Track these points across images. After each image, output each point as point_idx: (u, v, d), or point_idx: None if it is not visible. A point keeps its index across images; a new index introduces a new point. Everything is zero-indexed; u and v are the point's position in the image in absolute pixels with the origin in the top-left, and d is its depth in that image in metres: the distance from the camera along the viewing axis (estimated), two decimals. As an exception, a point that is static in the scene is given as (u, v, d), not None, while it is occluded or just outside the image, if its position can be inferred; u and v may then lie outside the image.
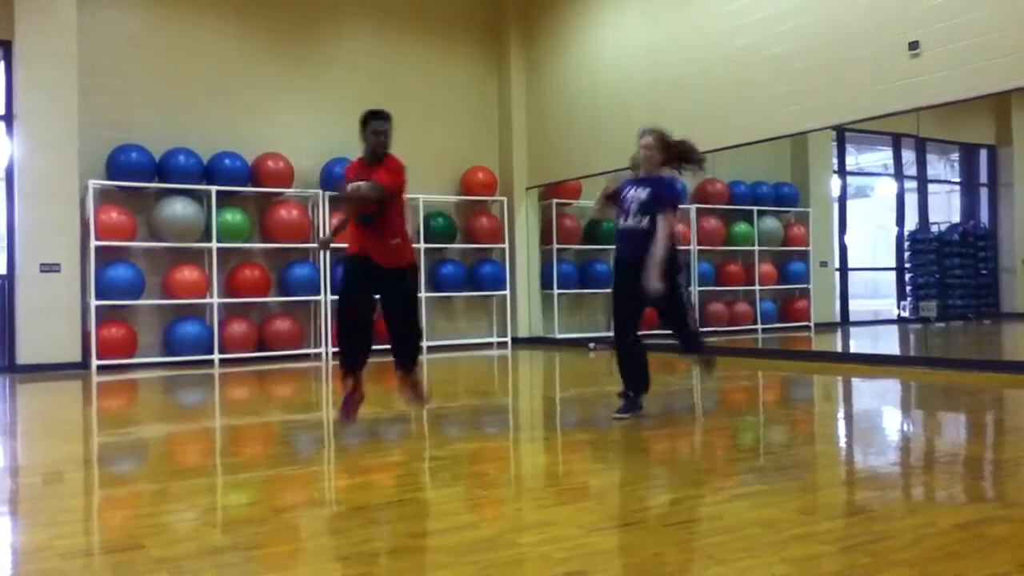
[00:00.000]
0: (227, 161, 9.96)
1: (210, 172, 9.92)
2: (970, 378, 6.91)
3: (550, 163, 11.72)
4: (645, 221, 5.01)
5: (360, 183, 4.97)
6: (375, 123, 5.11)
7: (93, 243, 9.13)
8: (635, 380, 5.19)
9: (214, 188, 9.77)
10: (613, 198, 5.23)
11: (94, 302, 9.10)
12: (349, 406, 4.93)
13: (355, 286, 4.98)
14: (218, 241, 9.78)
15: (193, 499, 3.45)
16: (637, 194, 5.06)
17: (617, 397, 5.26)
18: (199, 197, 9.83)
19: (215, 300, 9.78)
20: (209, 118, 10.21)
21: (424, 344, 10.93)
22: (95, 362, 9.04)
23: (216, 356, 9.68)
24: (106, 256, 9.32)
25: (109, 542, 2.91)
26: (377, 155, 5.10)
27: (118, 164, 9.42)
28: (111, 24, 9.80)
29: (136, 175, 9.47)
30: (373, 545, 2.72)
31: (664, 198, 5.05)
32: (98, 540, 2.96)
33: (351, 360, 4.94)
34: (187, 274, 9.63)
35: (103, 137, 9.48)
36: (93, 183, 9.30)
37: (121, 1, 9.92)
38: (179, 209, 9.56)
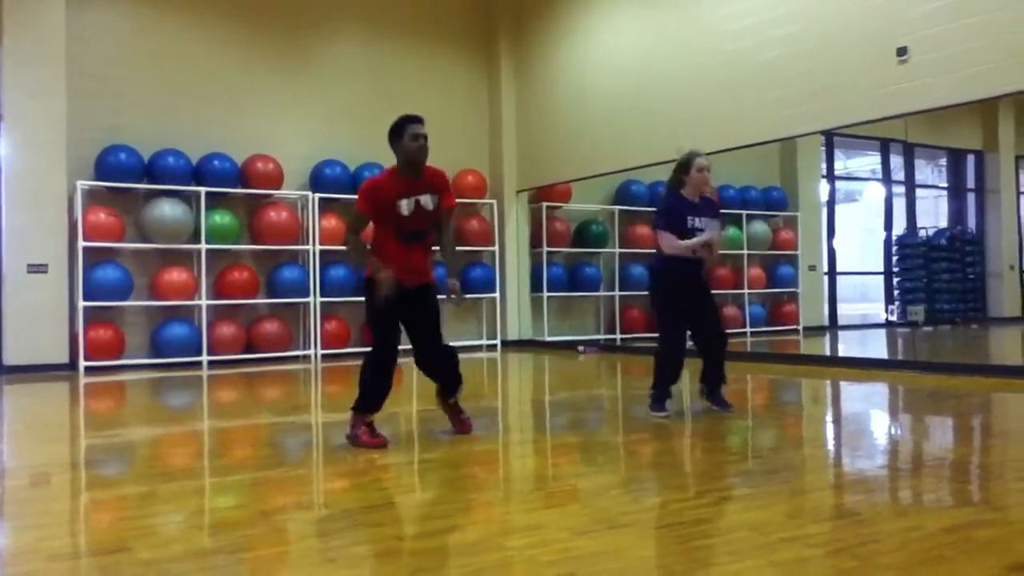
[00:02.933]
0: (216, 162, 9.94)
1: (199, 173, 9.89)
2: (957, 382, 6.94)
3: (540, 166, 11.74)
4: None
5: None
6: (414, 127, 4.50)
7: (81, 244, 9.09)
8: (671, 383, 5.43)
9: (203, 189, 9.74)
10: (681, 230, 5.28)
11: (82, 303, 9.06)
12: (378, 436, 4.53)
13: (396, 326, 4.50)
14: (207, 242, 9.75)
15: (180, 502, 3.43)
16: (701, 224, 5.25)
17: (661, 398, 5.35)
18: (188, 198, 9.80)
19: (203, 302, 9.75)
20: (199, 119, 10.19)
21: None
22: (82, 363, 9.00)
23: (204, 358, 9.65)
24: (94, 257, 9.28)
25: (96, 545, 2.89)
26: (418, 165, 4.51)
27: (107, 165, 9.38)
28: (100, 25, 9.76)
29: (125, 176, 9.43)
30: (360, 548, 2.71)
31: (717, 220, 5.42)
32: (85, 543, 2.95)
33: (381, 403, 4.59)
34: (175, 275, 9.60)
35: (92, 138, 9.44)
36: (81, 184, 9.26)
37: (110, 2, 9.88)
38: (168, 210, 9.52)
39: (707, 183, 5.31)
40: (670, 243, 5.23)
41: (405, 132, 4.51)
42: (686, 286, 5.31)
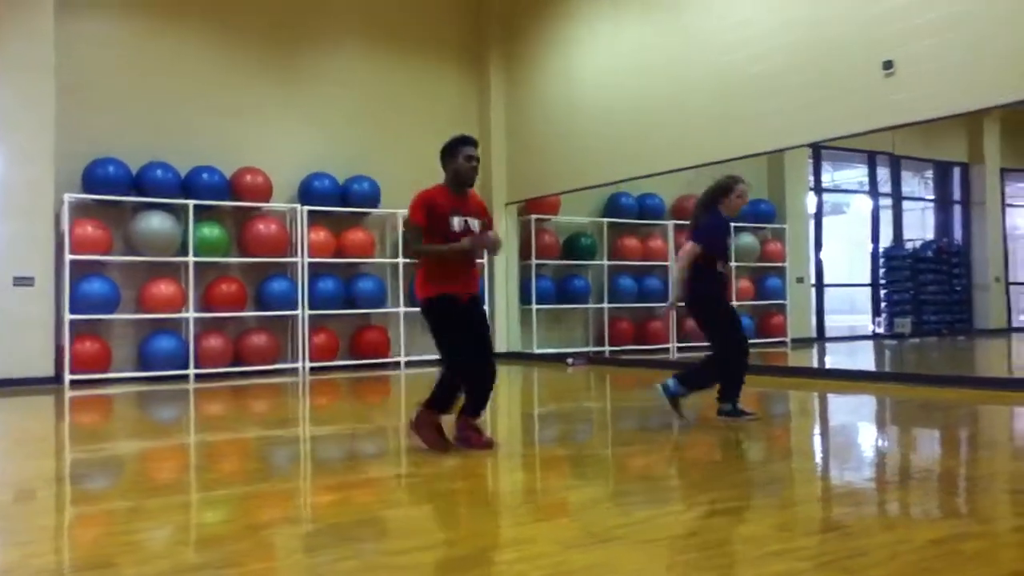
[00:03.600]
0: (205, 175, 9.91)
1: (188, 186, 9.87)
2: (944, 394, 6.97)
3: (529, 178, 11.76)
4: None
5: (488, 234, 4.71)
6: (468, 148, 4.67)
7: (68, 257, 9.04)
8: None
9: (191, 202, 9.71)
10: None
11: (68, 316, 9.01)
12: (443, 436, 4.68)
13: (465, 325, 4.64)
14: (195, 255, 9.72)
15: (167, 516, 3.41)
16: (730, 242, 5.84)
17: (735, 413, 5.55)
18: (176, 211, 9.77)
19: (191, 314, 9.71)
20: (187, 132, 10.17)
21: (403, 359, 10.98)
22: (68, 377, 8.94)
23: (191, 371, 9.60)
24: (81, 270, 9.23)
25: (81, 560, 2.87)
26: (467, 184, 4.72)
27: (95, 177, 9.34)
28: (89, 38, 9.74)
29: (113, 189, 9.40)
30: (348, 563, 2.70)
31: None
32: (70, 559, 2.92)
33: (453, 404, 4.71)
34: (163, 288, 9.55)
35: (80, 150, 9.41)
36: (69, 196, 9.21)
37: (99, 14, 9.87)
38: (156, 223, 9.49)
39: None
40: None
41: (460, 152, 4.68)
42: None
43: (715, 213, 5.59)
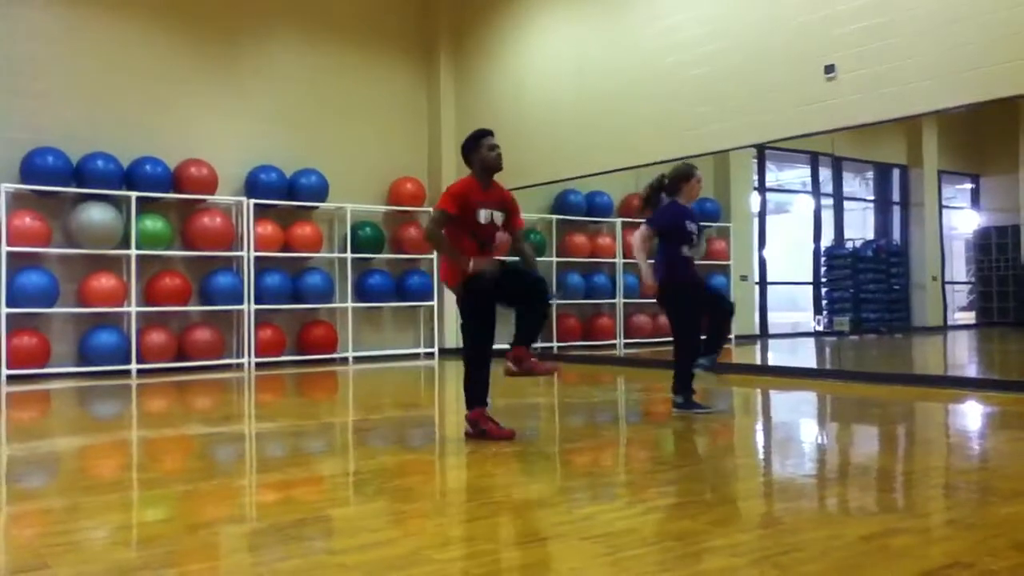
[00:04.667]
0: (148, 167, 9.73)
1: (130, 177, 9.69)
2: (882, 391, 7.15)
3: (478, 175, 11.74)
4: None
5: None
6: (489, 139, 4.96)
7: (4, 249, 8.82)
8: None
9: (134, 194, 9.53)
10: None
11: (4, 310, 8.79)
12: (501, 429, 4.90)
13: (494, 313, 4.94)
14: (137, 248, 9.55)
15: (105, 516, 3.36)
16: (693, 227, 5.78)
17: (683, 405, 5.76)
18: (118, 203, 9.58)
19: (133, 309, 9.54)
20: (130, 122, 9.98)
21: (350, 355, 10.92)
22: (4, 372, 8.73)
23: (134, 366, 9.44)
24: (18, 262, 9.01)
25: (14, 563, 2.81)
26: (494, 172, 4.98)
27: (33, 167, 9.12)
28: (27, 23, 9.50)
29: (52, 179, 9.19)
30: (291, 563, 2.69)
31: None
32: (3, 561, 2.86)
33: (488, 392, 4.98)
34: (104, 282, 9.37)
35: (17, 139, 9.18)
36: (6, 187, 8.99)
37: (38, 1, 9.62)
38: (97, 215, 9.30)
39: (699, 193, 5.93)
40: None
41: (483, 143, 4.95)
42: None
43: (673, 199, 5.81)
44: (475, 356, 4.95)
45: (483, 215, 4.87)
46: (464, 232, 4.85)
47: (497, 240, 5.02)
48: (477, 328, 4.91)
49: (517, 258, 5.19)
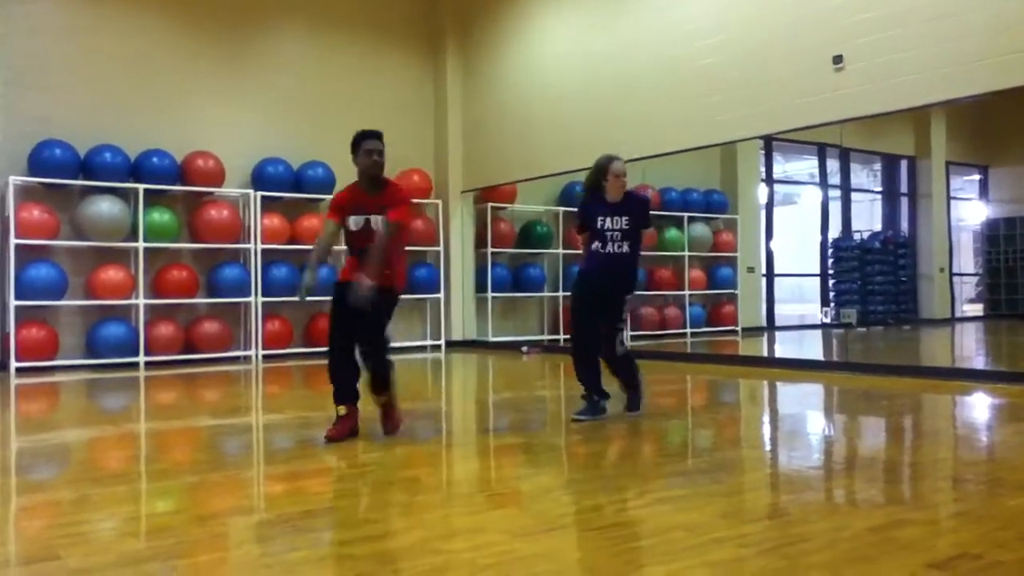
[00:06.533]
0: (155, 159, 9.75)
1: (137, 170, 9.70)
2: (889, 383, 7.15)
3: (486, 167, 11.76)
4: (627, 246, 5.30)
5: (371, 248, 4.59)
6: (370, 142, 4.69)
7: (13, 241, 8.85)
8: (598, 383, 5.37)
9: (141, 187, 9.55)
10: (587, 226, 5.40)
11: (13, 302, 8.82)
12: (340, 433, 4.62)
13: (342, 319, 4.64)
14: (145, 241, 9.57)
15: (114, 507, 3.38)
16: (615, 223, 5.27)
17: (581, 399, 5.37)
18: (125, 195, 9.60)
19: (141, 301, 9.57)
20: (137, 115, 9.99)
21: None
22: (14, 364, 8.76)
23: (141, 359, 9.47)
24: (27, 255, 9.04)
25: (25, 553, 2.83)
26: (374, 179, 4.71)
27: (41, 160, 9.14)
28: (35, 17, 9.51)
29: (60, 172, 9.21)
30: (299, 554, 2.70)
31: (646, 223, 5.44)
32: (14, 551, 2.88)
33: (342, 391, 4.71)
34: (112, 274, 9.40)
35: (26, 132, 9.20)
36: (14, 179, 9.01)
37: (45, -7, 9.63)
38: (104, 208, 9.32)
39: (623, 188, 5.38)
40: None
41: (360, 147, 4.71)
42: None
43: (593, 194, 5.44)
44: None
45: (354, 222, 4.66)
46: (348, 243, 4.74)
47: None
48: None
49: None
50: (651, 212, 5.63)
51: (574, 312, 5.52)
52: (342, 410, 4.67)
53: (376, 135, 4.76)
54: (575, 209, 5.91)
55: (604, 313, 5.31)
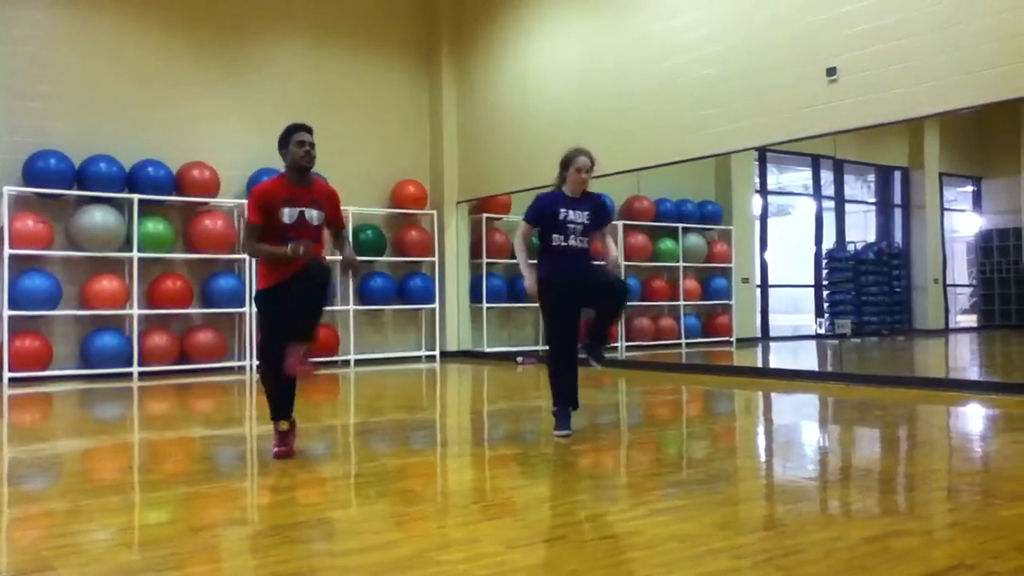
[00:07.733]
0: (150, 169, 9.74)
1: (132, 180, 9.69)
2: (883, 393, 7.15)
3: (481, 178, 11.77)
4: (587, 241, 5.19)
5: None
6: (300, 134, 4.67)
7: (7, 251, 8.83)
8: (575, 395, 5.25)
9: (136, 196, 9.54)
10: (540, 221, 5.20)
11: (7, 312, 8.80)
12: (290, 448, 4.57)
13: (281, 323, 4.51)
14: (139, 251, 9.55)
15: (108, 518, 3.36)
16: (577, 217, 5.13)
17: (553, 416, 5.19)
18: (120, 205, 9.59)
19: (135, 311, 9.55)
20: (132, 125, 9.99)
21: (352, 357, 10.92)
22: (7, 374, 8.73)
23: (135, 369, 9.44)
24: (21, 265, 9.02)
25: (17, 565, 2.81)
26: (304, 171, 4.66)
27: (35, 170, 9.14)
28: (30, 27, 9.51)
29: (54, 182, 9.20)
30: (293, 565, 2.69)
31: (608, 219, 5.39)
32: (6, 563, 2.86)
33: (283, 405, 4.64)
34: (106, 284, 9.38)
35: (20, 142, 9.20)
36: (8, 189, 9.00)
37: (40, 4, 9.63)
38: (99, 218, 9.31)
39: (585, 184, 5.20)
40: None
41: (291, 139, 4.68)
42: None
43: (554, 190, 5.25)
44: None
45: (287, 214, 4.54)
46: (276, 239, 4.50)
47: (317, 240, 4.68)
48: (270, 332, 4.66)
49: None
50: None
51: (552, 318, 5.30)
52: (284, 425, 4.58)
53: (307, 128, 4.74)
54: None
55: (588, 297, 5.23)
